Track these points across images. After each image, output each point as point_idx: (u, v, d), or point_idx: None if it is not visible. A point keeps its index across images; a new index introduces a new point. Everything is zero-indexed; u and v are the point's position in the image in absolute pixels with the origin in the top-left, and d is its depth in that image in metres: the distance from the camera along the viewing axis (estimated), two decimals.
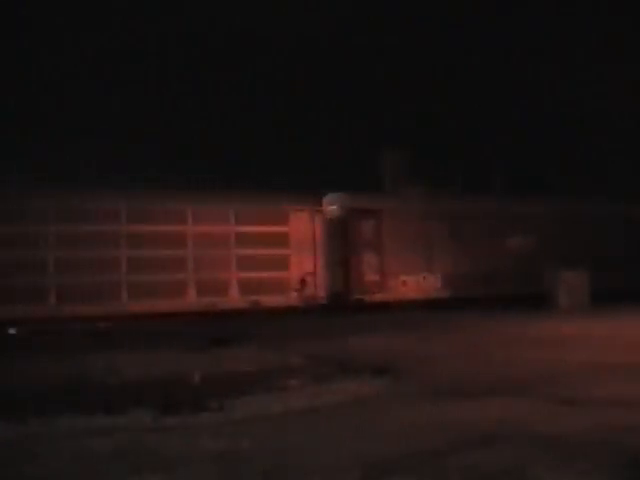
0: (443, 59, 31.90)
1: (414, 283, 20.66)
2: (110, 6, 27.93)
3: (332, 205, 20.60)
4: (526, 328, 14.86)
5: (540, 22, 32.63)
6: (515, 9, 32.23)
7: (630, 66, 29.03)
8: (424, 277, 20.78)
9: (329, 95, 30.05)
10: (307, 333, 14.74)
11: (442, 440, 5.52)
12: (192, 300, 18.80)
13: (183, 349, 11.78)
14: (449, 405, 6.96)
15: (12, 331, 16.18)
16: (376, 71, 31.64)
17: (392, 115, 30.41)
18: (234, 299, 19.24)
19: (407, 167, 24.31)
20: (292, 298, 19.86)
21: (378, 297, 20.49)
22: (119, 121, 25.72)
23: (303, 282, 19.93)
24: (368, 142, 27.75)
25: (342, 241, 20.62)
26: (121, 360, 10.57)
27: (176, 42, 29.16)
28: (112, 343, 13.39)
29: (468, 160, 27.83)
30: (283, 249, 20.02)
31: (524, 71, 31.62)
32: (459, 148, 29.40)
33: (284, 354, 10.84)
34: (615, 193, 26.83)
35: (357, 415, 6.67)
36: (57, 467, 5.04)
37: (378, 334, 13.98)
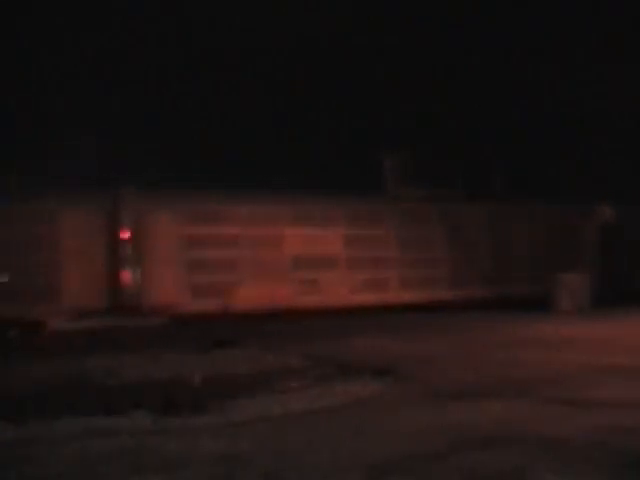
0: (443, 59, 31.86)
1: None
2: (110, 6, 27.91)
3: (602, 214, 25.70)
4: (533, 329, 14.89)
5: (540, 22, 32.60)
6: (515, 9, 32.19)
7: (630, 66, 29.01)
8: None
9: (329, 95, 30.02)
10: None
11: (442, 441, 5.53)
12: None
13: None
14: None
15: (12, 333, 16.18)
16: (376, 71, 31.62)
17: (392, 115, 30.35)
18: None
19: (407, 168, 24.30)
20: None
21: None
22: (119, 121, 25.71)
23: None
24: (368, 142, 27.71)
25: (609, 243, 25.50)
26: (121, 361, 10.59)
27: (176, 42, 29.16)
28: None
29: (468, 160, 27.79)
30: (573, 249, 24.78)
31: (524, 71, 31.55)
32: (459, 148, 29.37)
33: None
34: (615, 194, 26.87)
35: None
36: (57, 468, 5.05)
37: None
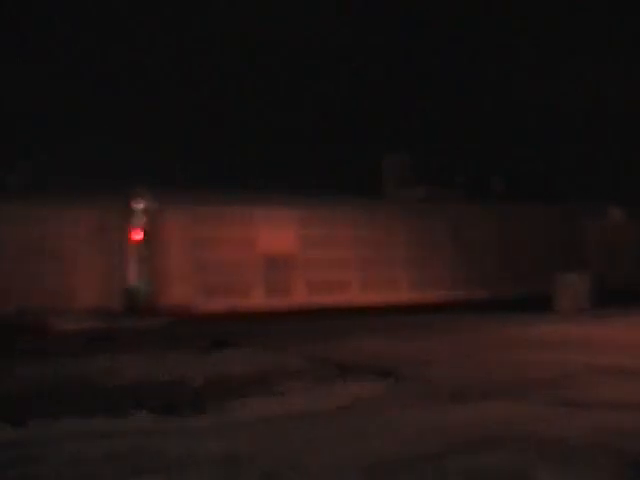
0: (443, 59, 31.93)
1: None
2: (111, 6, 27.95)
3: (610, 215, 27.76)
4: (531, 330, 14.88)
5: (540, 22, 32.66)
6: (515, 9, 32.25)
7: (630, 66, 29.04)
8: None
9: (329, 95, 30.05)
10: None
11: (443, 442, 5.52)
12: None
13: None
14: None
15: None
16: (377, 71, 31.66)
17: (393, 116, 30.41)
18: None
19: (407, 168, 24.30)
20: None
21: None
22: (120, 122, 25.73)
23: None
24: (368, 143, 27.77)
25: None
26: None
27: (176, 44, 29.18)
28: None
29: (468, 160, 27.84)
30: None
31: (524, 71, 31.64)
32: (459, 148, 29.42)
33: None
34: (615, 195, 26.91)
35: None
36: (57, 468, 5.04)
37: None
